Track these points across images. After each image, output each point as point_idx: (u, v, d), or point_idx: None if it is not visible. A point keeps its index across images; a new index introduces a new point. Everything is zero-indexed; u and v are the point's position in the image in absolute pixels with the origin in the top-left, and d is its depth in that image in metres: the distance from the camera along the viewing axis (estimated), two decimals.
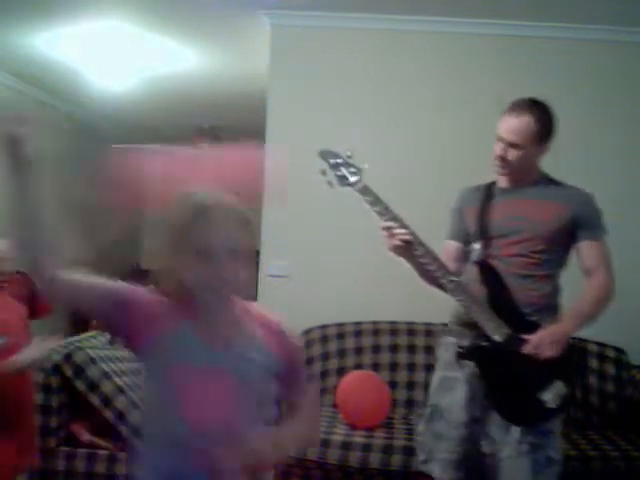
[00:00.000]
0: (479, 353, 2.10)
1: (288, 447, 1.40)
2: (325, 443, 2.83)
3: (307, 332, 3.40)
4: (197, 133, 7.16)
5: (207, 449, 1.24)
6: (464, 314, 2.13)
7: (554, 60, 3.64)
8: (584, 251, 2.16)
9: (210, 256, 1.27)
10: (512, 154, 2.13)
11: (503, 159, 2.15)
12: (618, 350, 3.29)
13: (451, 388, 2.17)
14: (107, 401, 2.76)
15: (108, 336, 3.36)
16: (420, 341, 3.42)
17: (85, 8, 3.72)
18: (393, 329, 3.46)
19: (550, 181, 2.23)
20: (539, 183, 2.20)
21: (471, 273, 2.19)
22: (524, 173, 2.18)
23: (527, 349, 2.00)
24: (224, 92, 5.50)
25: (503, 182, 2.23)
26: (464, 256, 2.26)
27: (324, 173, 2.16)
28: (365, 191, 2.13)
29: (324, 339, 3.44)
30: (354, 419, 3.04)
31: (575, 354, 2.30)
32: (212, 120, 6.81)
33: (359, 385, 3.14)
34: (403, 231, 2.06)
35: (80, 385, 2.78)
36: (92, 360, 2.83)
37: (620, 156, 3.62)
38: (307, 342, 3.38)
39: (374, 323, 3.47)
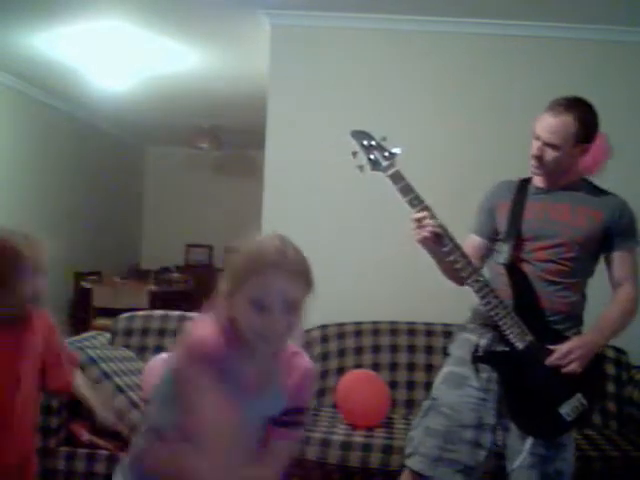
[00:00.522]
0: (498, 358, 2.04)
1: None
2: (325, 443, 2.83)
3: (307, 332, 3.40)
4: (197, 133, 7.17)
5: None
6: (486, 314, 2.05)
7: (554, 60, 3.65)
8: (616, 261, 2.08)
9: (264, 308, 1.26)
10: (549, 154, 2.04)
11: (539, 159, 2.06)
12: (618, 350, 3.29)
13: (459, 385, 2.09)
14: (107, 401, 2.76)
15: (108, 336, 3.36)
16: (420, 341, 3.42)
17: (85, 8, 3.72)
18: (393, 329, 3.45)
19: (588, 185, 2.15)
20: (577, 186, 2.12)
21: (498, 274, 2.11)
22: (561, 174, 2.09)
23: (552, 361, 1.95)
24: (224, 92, 5.51)
25: (539, 181, 2.15)
26: (487, 253, 2.20)
27: (355, 155, 2.04)
28: (397, 178, 2.00)
29: (324, 339, 3.44)
30: (354, 419, 3.04)
31: (603, 365, 2.22)
32: (212, 120, 6.81)
33: (359, 385, 3.13)
34: (434, 222, 1.96)
35: None
36: (92, 360, 2.83)
37: (620, 156, 3.62)
38: (307, 342, 3.38)
39: (374, 323, 3.47)
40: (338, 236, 3.65)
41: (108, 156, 7.74)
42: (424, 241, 1.98)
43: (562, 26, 3.57)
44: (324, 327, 3.46)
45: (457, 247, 1.99)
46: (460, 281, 2.08)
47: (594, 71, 3.64)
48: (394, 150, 2.05)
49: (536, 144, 2.06)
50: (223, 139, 7.28)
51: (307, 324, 3.84)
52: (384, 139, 2.07)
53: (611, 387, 3.23)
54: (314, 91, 3.75)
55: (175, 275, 7.54)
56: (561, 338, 2.00)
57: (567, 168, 2.09)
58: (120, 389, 2.81)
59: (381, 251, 3.59)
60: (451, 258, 1.98)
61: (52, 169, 6.33)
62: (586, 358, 1.97)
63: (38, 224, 5.90)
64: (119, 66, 4.74)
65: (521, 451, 2.01)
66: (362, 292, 3.59)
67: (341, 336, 3.46)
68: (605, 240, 2.08)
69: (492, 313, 2.00)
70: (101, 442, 2.81)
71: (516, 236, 2.09)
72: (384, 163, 2.03)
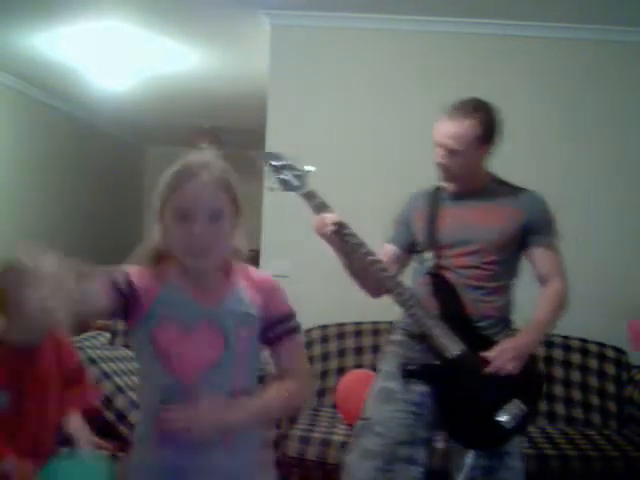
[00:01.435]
0: (431, 371, 1.97)
1: (253, 418, 1.35)
2: (325, 443, 2.83)
3: (307, 332, 3.40)
4: (197, 133, 7.17)
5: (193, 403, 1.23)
6: (413, 325, 2.00)
7: (554, 60, 3.64)
8: (537, 258, 2.03)
9: (186, 217, 1.26)
10: (454, 161, 1.99)
11: (444, 166, 2.02)
12: (618, 350, 3.29)
13: (388, 400, 2.01)
14: (107, 401, 2.76)
15: (108, 336, 3.36)
16: None
17: (85, 8, 3.72)
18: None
19: (500, 184, 2.10)
20: (488, 187, 2.07)
21: (421, 285, 2.06)
22: (470, 178, 2.05)
23: (489, 368, 1.88)
24: (224, 92, 5.51)
25: (450, 187, 2.10)
26: (404, 263, 2.15)
27: (269, 176, 2.02)
28: (310, 196, 1.98)
29: (324, 339, 3.44)
30: (354, 419, 3.04)
31: (539, 365, 2.16)
32: (212, 120, 6.81)
33: (359, 385, 3.13)
34: (334, 216, 1.93)
35: None
36: (92, 360, 2.83)
37: (620, 156, 3.62)
38: (307, 342, 3.38)
39: (374, 323, 3.46)
40: None
41: (108, 156, 7.74)
42: (329, 236, 1.94)
43: (562, 26, 3.57)
44: (324, 327, 3.46)
45: (370, 252, 1.96)
46: (377, 292, 2.07)
47: (594, 71, 3.64)
48: (306, 168, 2.01)
49: (439, 152, 2.02)
50: (223, 139, 7.28)
51: (307, 324, 3.84)
52: (294, 160, 2.03)
53: (611, 387, 3.23)
54: (314, 91, 3.75)
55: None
56: (491, 343, 1.94)
57: (475, 171, 2.05)
58: (120, 389, 2.81)
59: (381, 251, 3.59)
60: (376, 267, 1.95)
61: (52, 169, 6.32)
62: (521, 359, 1.91)
63: (38, 224, 5.92)
64: (119, 66, 4.74)
65: (463, 465, 1.93)
66: (362, 292, 3.58)
67: (341, 336, 3.46)
68: (525, 238, 2.02)
69: (419, 325, 1.96)
70: (101, 442, 2.81)
71: (435, 245, 2.04)
72: (296, 182, 1.99)
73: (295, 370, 1.40)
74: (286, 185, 2.00)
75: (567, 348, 3.30)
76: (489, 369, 1.89)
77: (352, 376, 3.18)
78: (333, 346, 3.44)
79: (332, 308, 3.55)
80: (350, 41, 3.73)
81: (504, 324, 2.05)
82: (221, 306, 1.33)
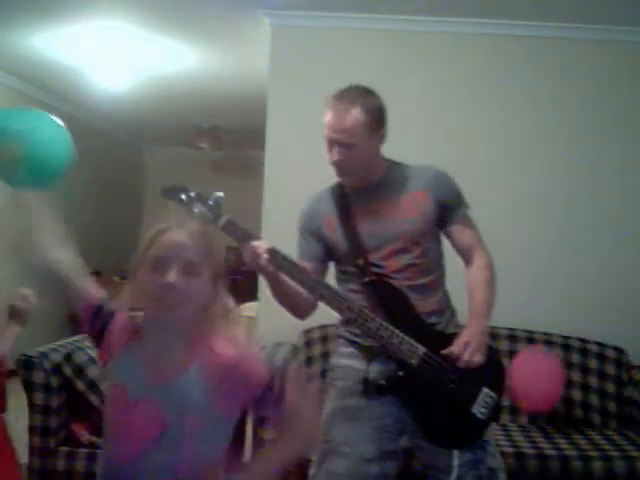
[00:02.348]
0: (400, 383, 1.89)
1: (278, 468, 1.33)
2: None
3: (307, 332, 3.40)
4: (197, 133, 7.17)
5: None
6: (364, 338, 1.92)
7: (554, 60, 3.64)
8: (456, 235, 1.97)
9: (160, 266, 1.26)
10: (349, 155, 1.87)
11: (341, 163, 1.89)
12: (618, 350, 3.29)
13: (351, 419, 1.91)
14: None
15: None
16: None
17: (85, 8, 3.72)
18: None
19: (399, 168, 1.99)
20: (391, 175, 1.96)
21: (356, 294, 1.95)
22: (371, 170, 1.94)
23: (459, 364, 1.84)
24: (224, 92, 5.51)
25: (352, 182, 1.98)
26: (321, 275, 2.01)
27: (179, 212, 1.84)
28: (231, 227, 1.84)
29: (324, 339, 3.44)
30: (528, 400, 2.86)
31: (495, 351, 2.05)
32: (212, 120, 6.81)
33: (535, 365, 2.92)
34: (265, 243, 1.82)
35: (80, 385, 2.78)
36: (92, 360, 2.83)
37: (621, 156, 3.62)
38: (307, 342, 3.37)
39: None
40: None
41: (108, 156, 7.74)
42: (264, 266, 1.80)
43: (562, 26, 3.57)
44: (324, 327, 3.46)
45: (306, 271, 1.88)
46: (306, 313, 1.99)
47: (594, 71, 3.64)
48: (216, 195, 1.89)
49: (333, 149, 1.90)
50: (223, 139, 7.28)
51: (307, 324, 3.84)
52: (202, 189, 1.92)
53: (611, 387, 3.23)
54: (314, 91, 3.74)
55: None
56: (447, 337, 1.90)
57: (374, 161, 1.94)
58: None
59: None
60: (321, 285, 1.87)
61: None
62: (483, 345, 1.86)
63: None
64: (119, 66, 4.74)
65: (451, 467, 1.88)
66: None
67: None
68: (439, 217, 1.95)
69: (375, 338, 1.88)
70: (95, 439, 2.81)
71: (359, 249, 1.92)
72: (210, 214, 1.86)
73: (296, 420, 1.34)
74: (202, 218, 1.82)
75: (567, 348, 3.30)
76: (460, 364, 1.85)
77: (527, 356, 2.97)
78: (333, 346, 3.42)
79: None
80: (350, 41, 3.72)
81: (450, 314, 2.02)
82: (170, 387, 1.28)
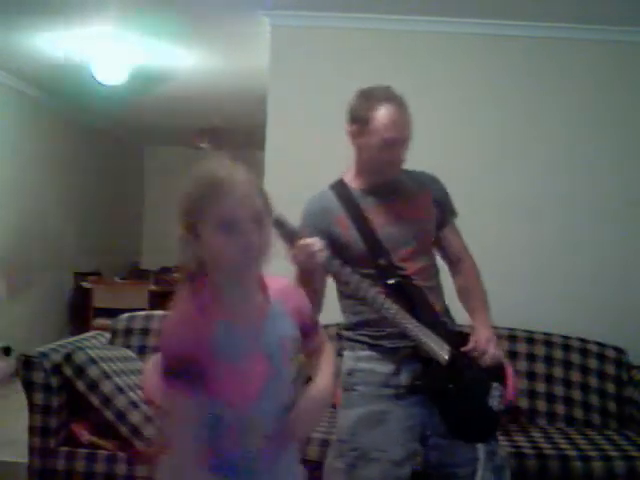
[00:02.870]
0: (434, 382, 1.92)
1: (328, 397, 1.41)
2: (325, 443, 2.83)
3: None
4: (197, 133, 7.17)
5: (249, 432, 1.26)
6: (390, 341, 1.91)
7: (554, 60, 3.64)
8: (450, 238, 2.02)
9: (234, 227, 1.22)
10: (404, 152, 1.89)
11: (402, 163, 1.90)
12: (618, 350, 3.29)
13: (381, 422, 1.89)
14: (107, 401, 2.76)
15: (108, 336, 3.36)
16: None
17: (85, 9, 3.72)
18: None
19: (402, 169, 2.00)
20: (399, 175, 1.97)
21: (384, 298, 1.91)
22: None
23: (486, 359, 1.92)
24: (224, 92, 5.51)
25: (356, 182, 1.97)
26: (326, 275, 1.98)
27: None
28: (279, 224, 1.74)
29: None
30: None
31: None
32: (212, 120, 6.81)
33: None
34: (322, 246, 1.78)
35: (80, 385, 2.78)
36: (92, 360, 2.83)
37: (620, 156, 3.62)
38: None
39: None
40: None
41: (108, 156, 7.74)
42: (320, 264, 1.78)
43: (559, 26, 3.56)
44: (324, 327, 3.45)
45: (351, 271, 1.86)
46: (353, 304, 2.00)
47: (592, 71, 3.64)
48: None
49: (395, 149, 1.87)
50: (223, 139, 7.28)
51: None
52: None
53: (611, 387, 3.23)
54: (314, 91, 3.75)
55: (175, 275, 7.53)
56: (462, 335, 1.97)
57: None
58: (120, 389, 2.81)
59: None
60: (365, 284, 1.85)
61: (52, 169, 6.32)
62: (497, 343, 1.96)
63: (38, 224, 5.92)
64: (119, 66, 4.74)
65: (469, 460, 1.91)
66: None
67: (341, 336, 3.45)
68: (438, 218, 1.99)
69: (411, 336, 1.87)
70: (101, 442, 2.81)
71: (380, 249, 1.89)
72: None
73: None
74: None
75: (567, 348, 3.30)
76: (485, 360, 1.93)
77: None
78: (333, 346, 3.43)
79: (332, 308, 3.54)
80: (350, 41, 3.72)
81: (449, 312, 2.07)
82: (265, 332, 1.32)
